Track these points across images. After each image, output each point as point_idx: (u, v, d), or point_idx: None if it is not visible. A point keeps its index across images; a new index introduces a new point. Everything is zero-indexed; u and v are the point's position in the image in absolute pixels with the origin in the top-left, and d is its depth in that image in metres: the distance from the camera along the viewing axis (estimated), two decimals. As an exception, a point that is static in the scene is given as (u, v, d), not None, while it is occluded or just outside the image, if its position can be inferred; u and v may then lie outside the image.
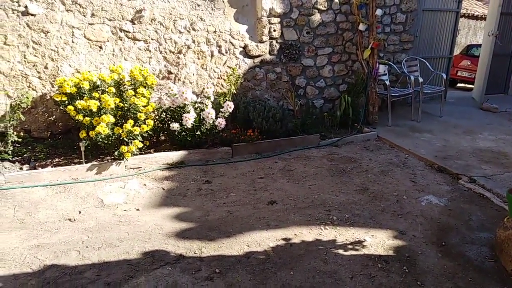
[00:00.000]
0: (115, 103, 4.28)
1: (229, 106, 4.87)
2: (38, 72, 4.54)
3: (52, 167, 4.15)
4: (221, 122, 4.73)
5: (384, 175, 4.54)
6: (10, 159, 4.15)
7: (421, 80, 6.71)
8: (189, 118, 4.51)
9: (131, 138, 4.29)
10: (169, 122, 4.82)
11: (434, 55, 7.80)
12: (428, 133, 6.10)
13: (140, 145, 4.30)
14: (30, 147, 4.47)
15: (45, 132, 4.71)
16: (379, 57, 6.65)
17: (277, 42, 6.01)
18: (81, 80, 4.33)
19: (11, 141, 4.15)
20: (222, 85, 5.73)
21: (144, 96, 4.48)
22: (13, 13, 4.34)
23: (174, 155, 4.67)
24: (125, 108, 4.44)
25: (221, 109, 4.95)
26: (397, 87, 7.07)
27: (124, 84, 4.64)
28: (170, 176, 4.36)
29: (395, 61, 7.16)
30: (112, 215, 3.52)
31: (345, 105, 6.08)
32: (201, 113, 4.83)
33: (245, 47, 5.79)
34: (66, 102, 4.30)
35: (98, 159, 4.44)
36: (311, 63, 6.36)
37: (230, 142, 5.07)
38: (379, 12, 6.27)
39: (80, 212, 3.50)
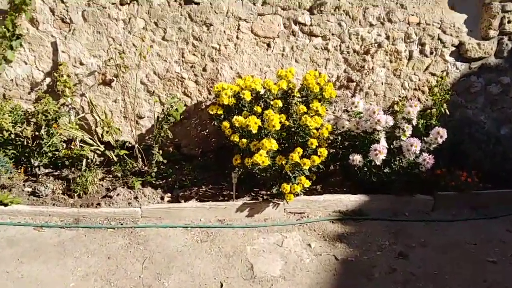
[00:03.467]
0: (280, 121, 3.13)
1: (440, 134, 3.25)
2: (195, 75, 3.72)
3: (196, 200, 3.26)
4: (428, 160, 3.15)
5: None
6: (153, 182, 3.41)
7: None
8: (381, 152, 3.08)
9: (296, 172, 3.10)
10: (345, 150, 3.49)
11: None
12: None
13: (308, 184, 3.08)
14: (177, 167, 3.69)
15: (196, 149, 3.90)
16: None
17: (510, 39, 4.05)
18: (242, 89, 3.31)
19: (156, 161, 3.40)
20: (419, 99, 4.10)
21: (319, 114, 3.23)
22: (175, 1, 3.56)
23: (349, 201, 3.31)
24: (292, 129, 3.26)
25: (425, 138, 3.36)
26: None
27: (293, 95, 3.47)
28: (345, 235, 3.03)
29: None
30: (265, 300, 2.38)
31: None
32: (394, 142, 3.35)
33: (459, 45, 4.01)
34: (222, 116, 3.35)
35: (251, 194, 3.39)
36: (561, 72, 4.18)
37: (431, 187, 3.45)
38: None
39: (221, 287, 2.46)
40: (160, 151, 3.41)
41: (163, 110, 3.49)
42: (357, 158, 3.19)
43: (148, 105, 3.74)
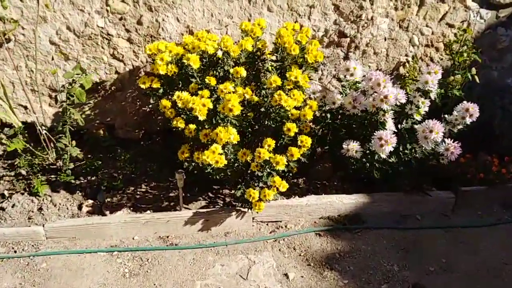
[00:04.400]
0: (243, 97, 2.16)
1: (469, 112, 2.33)
2: (128, 31, 2.66)
3: (130, 208, 2.33)
4: (453, 149, 2.24)
5: None
6: (72, 182, 2.45)
7: None
8: (388, 142, 2.14)
9: (268, 170, 2.17)
10: (337, 132, 2.56)
11: None
12: None
13: (285, 187, 2.15)
14: (111, 155, 2.74)
15: (135, 131, 2.92)
16: None
17: (552, -24, 3.06)
18: (187, 51, 2.30)
19: (69, 156, 2.39)
20: (431, 59, 3.15)
21: (298, 87, 2.26)
22: None
23: (342, 203, 2.42)
24: (262, 108, 2.29)
25: (446, 116, 2.44)
26: None
27: (264, 58, 2.48)
28: (337, 256, 2.16)
29: None
30: None
31: None
32: (404, 122, 2.43)
33: (486, -14, 3.02)
34: (161, 91, 2.35)
35: (209, 195, 2.49)
36: None
37: (451, 180, 2.58)
38: None
39: None
40: (74, 142, 2.39)
41: (63, 86, 2.42)
42: (353, 147, 2.26)
43: (64, 73, 2.70)
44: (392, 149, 2.17)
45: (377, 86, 2.20)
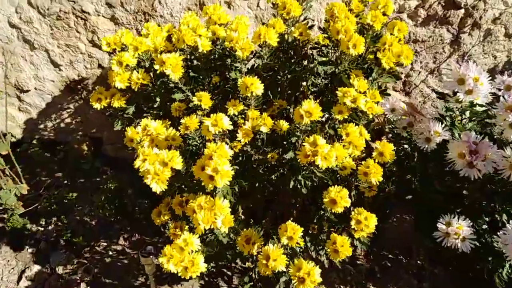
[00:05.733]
0: (252, 136, 1.19)
1: None
2: (110, 6, 1.78)
3: (88, 285, 1.56)
4: None
5: None
6: (27, 227, 1.73)
7: None
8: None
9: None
10: (431, 186, 1.48)
11: None
12: None
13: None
14: (96, 179, 1.99)
15: (129, 148, 2.11)
16: None
17: None
18: (174, 47, 1.36)
19: (14, 194, 1.63)
20: None
21: (360, 115, 1.20)
22: None
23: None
24: (290, 148, 1.28)
25: None
26: None
27: (306, 53, 1.45)
28: None
29: None
30: None
31: None
32: None
33: None
34: (131, 110, 1.46)
35: (207, 269, 1.62)
36: None
37: None
38: None
39: None
40: (10, 181, 1.63)
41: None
42: (458, 231, 1.19)
43: (32, 68, 1.94)
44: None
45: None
